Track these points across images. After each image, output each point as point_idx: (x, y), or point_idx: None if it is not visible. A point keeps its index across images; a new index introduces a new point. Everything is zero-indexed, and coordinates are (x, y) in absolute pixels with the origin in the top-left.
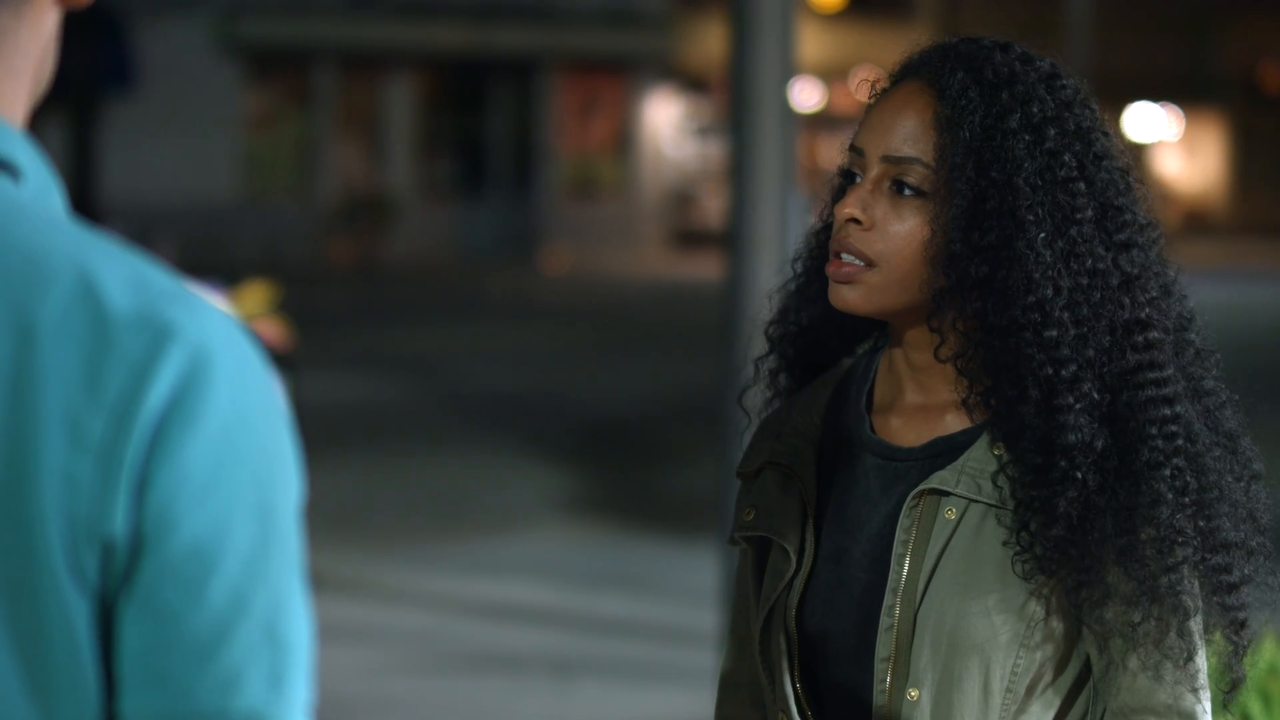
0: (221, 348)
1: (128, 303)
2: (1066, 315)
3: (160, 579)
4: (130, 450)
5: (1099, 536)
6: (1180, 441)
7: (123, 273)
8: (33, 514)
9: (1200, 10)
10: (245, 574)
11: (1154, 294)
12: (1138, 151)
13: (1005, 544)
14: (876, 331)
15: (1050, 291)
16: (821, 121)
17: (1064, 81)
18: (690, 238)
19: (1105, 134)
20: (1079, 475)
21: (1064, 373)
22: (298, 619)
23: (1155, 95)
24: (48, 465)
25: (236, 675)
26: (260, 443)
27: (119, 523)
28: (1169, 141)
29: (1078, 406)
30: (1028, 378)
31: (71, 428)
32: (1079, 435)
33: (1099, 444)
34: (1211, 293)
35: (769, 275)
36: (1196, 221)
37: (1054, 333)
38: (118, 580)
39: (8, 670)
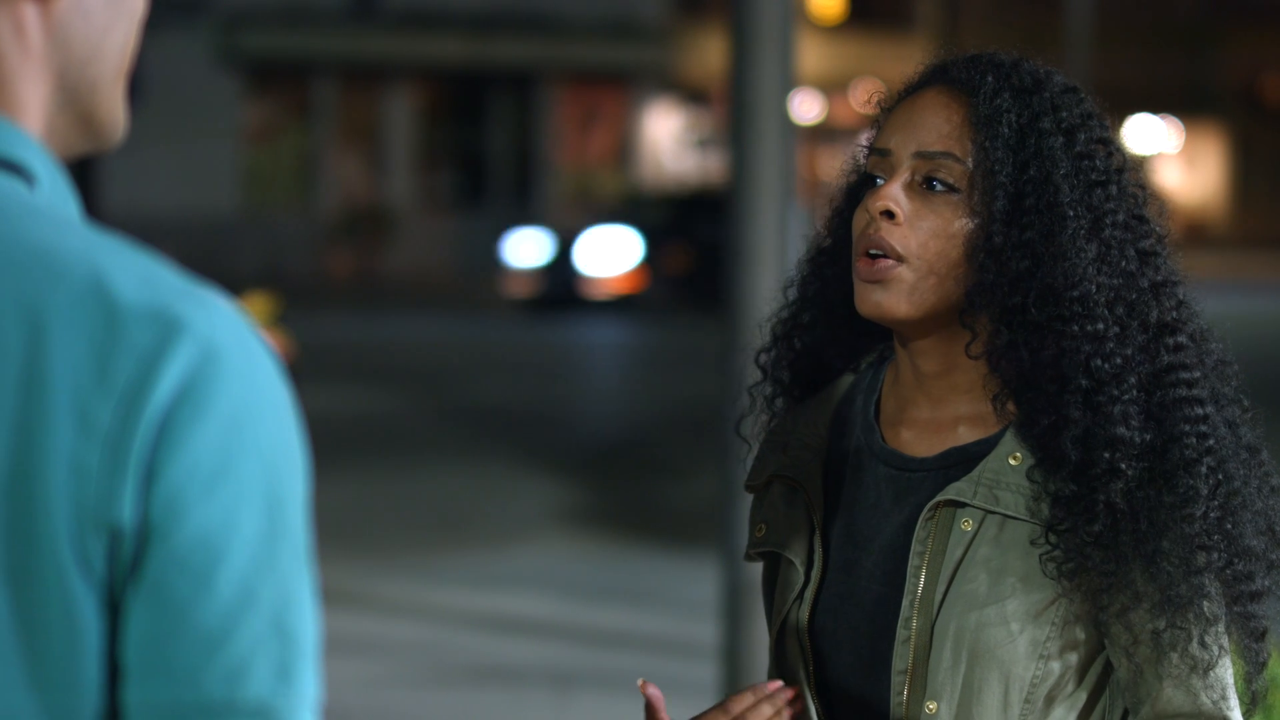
0: (230, 342)
1: (138, 296)
2: (1108, 312)
3: (168, 568)
4: (138, 439)
5: (1131, 537)
6: (1211, 441)
7: (133, 269)
8: (41, 502)
9: (1200, 22)
10: (253, 565)
11: (1179, 300)
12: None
13: (1034, 543)
14: (881, 345)
15: (1093, 288)
16: (822, 134)
17: (1081, 96)
18: None
19: (1120, 150)
20: (1123, 467)
21: (1109, 366)
22: (306, 613)
23: (1155, 107)
24: (57, 454)
25: (244, 665)
26: (269, 435)
27: (127, 510)
28: (1169, 153)
29: (1125, 399)
30: (1075, 370)
31: (80, 416)
32: (1128, 427)
33: (1143, 439)
34: (1211, 305)
35: (769, 288)
36: (1196, 233)
37: (1100, 326)
38: (125, 569)
39: (11, 659)
